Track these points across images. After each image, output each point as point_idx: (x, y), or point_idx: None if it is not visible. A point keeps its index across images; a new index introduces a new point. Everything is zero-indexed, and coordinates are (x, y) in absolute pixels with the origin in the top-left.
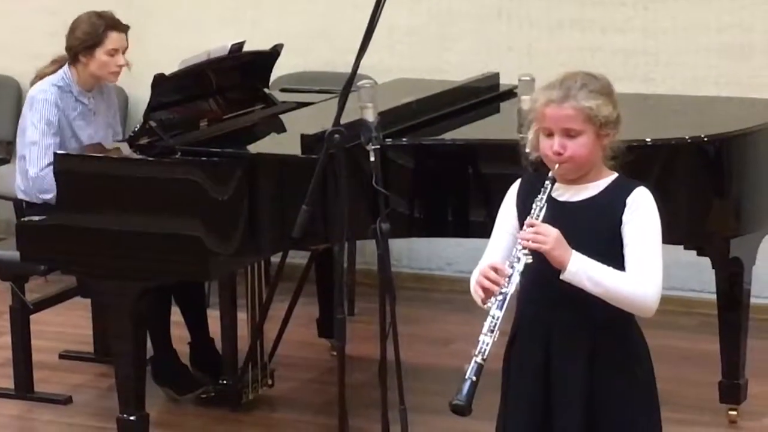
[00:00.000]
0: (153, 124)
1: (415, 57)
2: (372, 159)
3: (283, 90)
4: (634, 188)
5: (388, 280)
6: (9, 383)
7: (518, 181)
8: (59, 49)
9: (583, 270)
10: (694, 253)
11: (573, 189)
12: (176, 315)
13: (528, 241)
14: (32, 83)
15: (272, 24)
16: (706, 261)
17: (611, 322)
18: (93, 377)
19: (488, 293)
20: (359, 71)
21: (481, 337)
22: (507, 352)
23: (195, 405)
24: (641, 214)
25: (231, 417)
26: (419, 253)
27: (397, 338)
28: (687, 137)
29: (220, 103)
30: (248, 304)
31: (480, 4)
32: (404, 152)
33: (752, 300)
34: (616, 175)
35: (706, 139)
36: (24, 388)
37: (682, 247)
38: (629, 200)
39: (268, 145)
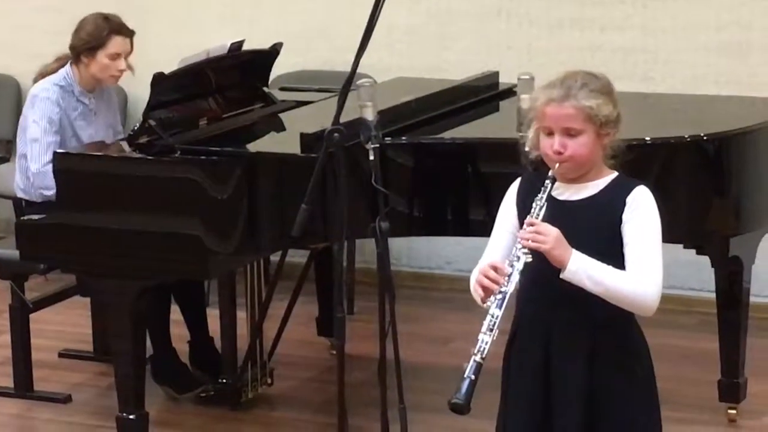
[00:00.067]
0: (152, 122)
1: (414, 56)
2: (371, 158)
3: (282, 89)
4: (634, 187)
5: (388, 278)
6: (8, 382)
7: (518, 180)
8: (59, 48)
9: (583, 269)
10: (693, 251)
11: (573, 188)
12: (176, 314)
13: (528, 240)
14: (35, 80)
15: (271, 23)
16: (705, 260)
17: (611, 321)
18: (92, 376)
19: (488, 292)
20: (359, 70)
21: (481, 336)
22: (507, 351)
23: (194, 404)
24: (641, 213)
25: (230, 416)
26: (419, 252)
27: (396, 337)
28: (686, 136)
29: (220, 101)
30: (248, 303)
31: (479, 3)
32: (404, 151)
33: (752, 299)
34: (616, 174)
35: (705, 137)
36: (23, 387)
37: (681, 245)
38: (629, 199)
39: (267, 143)
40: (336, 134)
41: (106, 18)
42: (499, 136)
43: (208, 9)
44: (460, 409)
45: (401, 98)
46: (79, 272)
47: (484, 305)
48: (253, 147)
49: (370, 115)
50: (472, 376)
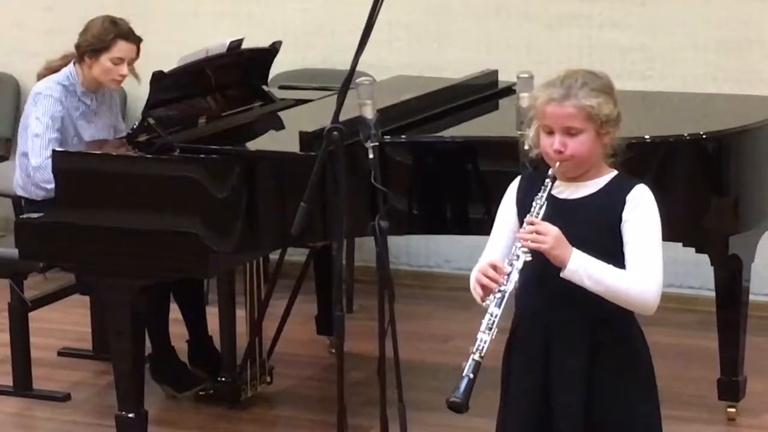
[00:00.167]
0: (152, 121)
1: (413, 54)
2: (371, 156)
3: (281, 87)
4: (634, 185)
5: (387, 277)
6: (8, 380)
7: (518, 179)
8: (58, 46)
9: (583, 268)
10: (692, 250)
11: (573, 186)
12: (175, 312)
13: (527, 240)
14: (39, 75)
15: (270, 21)
16: (704, 258)
17: (611, 319)
18: (92, 374)
19: (487, 291)
20: (358, 68)
21: (479, 335)
22: (506, 349)
23: (194, 402)
24: (641, 212)
25: (230, 414)
26: (418, 251)
27: (395, 335)
28: (685, 134)
29: (219, 100)
30: (247, 302)
31: (478, 2)
32: (403, 149)
33: (751, 297)
34: (615, 172)
35: (704, 136)
36: (23, 386)
37: (680, 244)
38: (629, 198)
39: (266, 142)
40: (335, 133)
41: (114, 22)
42: (498, 134)
43: (208, 7)
44: (459, 407)
45: (401, 97)
46: (78, 271)
47: (483, 304)
48: (252, 145)
49: (369, 113)
50: (471, 375)
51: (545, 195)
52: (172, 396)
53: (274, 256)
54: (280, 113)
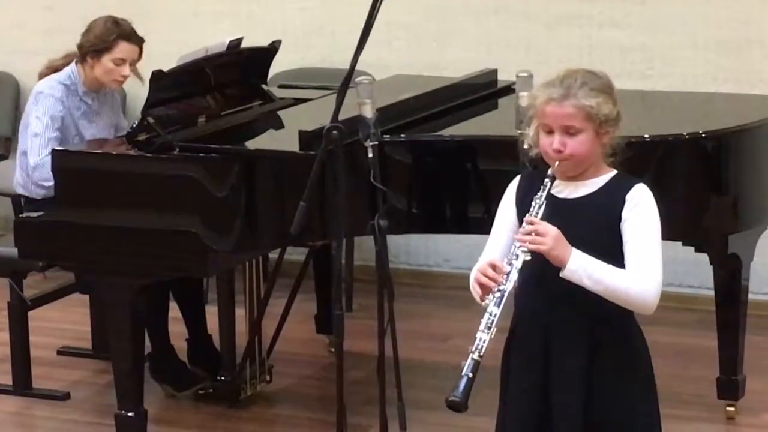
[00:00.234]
0: (151, 120)
1: (413, 53)
2: (370, 155)
3: (281, 86)
4: (634, 185)
5: (387, 276)
6: (7, 379)
7: (517, 178)
8: (58, 46)
9: (582, 268)
10: (692, 249)
11: (572, 186)
12: (174, 311)
13: (527, 242)
14: (41, 74)
15: (270, 20)
16: (704, 257)
17: (610, 319)
18: (91, 373)
19: (485, 290)
20: (357, 67)
21: (478, 334)
22: (506, 349)
23: (193, 401)
24: (641, 211)
25: (229, 413)
26: (417, 250)
27: (395, 334)
28: (685, 133)
29: (218, 99)
30: (246, 301)
31: (478, 1)
32: (402, 148)
33: (750, 296)
34: (615, 171)
35: (704, 135)
36: (22, 385)
37: (680, 243)
38: (628, 197)
39: (266, 141)
40: (335, 132)
41: (117, 22)
42: (497, 133)
43: (208, 7)
44: (458, 407)
45: (400, 96)
46: (78, 270)
47: (483, 303)
48: (251, 144)
49: (368, 112)
50: (470, 374)
51: (544, 194)
52: (171, 395)
53: (273, 255)
54: (279, 112)
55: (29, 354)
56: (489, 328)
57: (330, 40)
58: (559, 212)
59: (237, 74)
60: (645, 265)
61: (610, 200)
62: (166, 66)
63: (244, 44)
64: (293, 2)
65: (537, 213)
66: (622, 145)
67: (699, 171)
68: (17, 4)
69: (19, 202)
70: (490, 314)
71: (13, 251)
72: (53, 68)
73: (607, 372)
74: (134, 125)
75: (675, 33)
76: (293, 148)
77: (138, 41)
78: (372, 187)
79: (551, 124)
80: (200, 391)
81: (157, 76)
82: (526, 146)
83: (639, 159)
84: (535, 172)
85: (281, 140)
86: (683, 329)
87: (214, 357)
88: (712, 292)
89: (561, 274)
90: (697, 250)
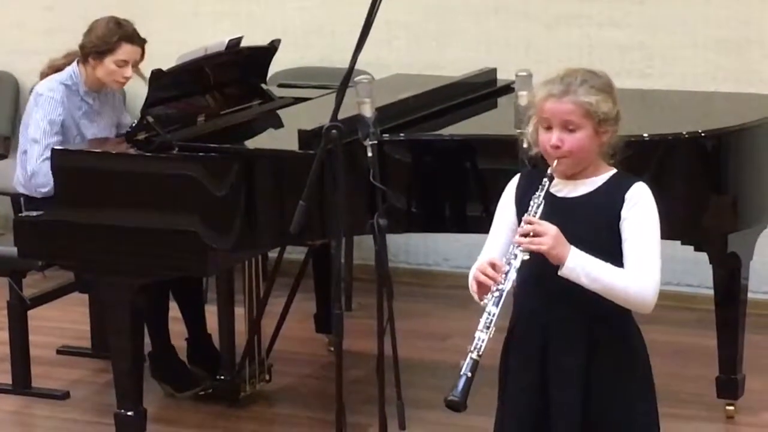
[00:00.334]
0: (150, 119)
1: (413, 53)
2: (369, 154)
3: (280, 85)
4: (633, 183)
5: (386, 275)
6: (7, 379)
7: (517, 177)
8: (58, 45)
9: (580, 266)
10: (691, 248)
11: (571, 184)
12: (174, 311)
13: (526, 242)
14: (43, 73)
15: (269, 19)
16: (703, 256)
17: (608, 318)
18: (91, 372)
19: (483, 289)
20: (357, 67)
21: (477, 333)
22: (504, 348)
23: (193, 400)
24: (640, 210)
25: (229, 412)
26: (416, 249)
27: (394, 333)
28: (684, 133)
29: (218, 98)
30: (246, 300)
31: (478, 1)
32: (402, 148)
33: (749, 295)
34: (614, 170)
35: (703, 134)
36: (22, 384)
37: (679, 242)
38: (628, 195)
39: (265, 140)
40: (334, 131)
41: (119, 23)
42: (496, 132)
43: (208, 7)
44: (457, 406)
45: (399, 95)
46: (78, 269)
47: (482, 303)
48: (251, 144)
49: (368, 111)
50: (469, 374)
51: (543, 194)
52: (171, 394)
53: (272, 254)
54: (278, 111)
55: (29, 353)
56: (488, 328)
57: (329, 39)
58: (557, 211)
59: (236, 73)
60: (644, 264)
61: (610, 199)
62: (166, 66)
63: (243, 44)
64: (293, 2)
65: (536, 212)
66: (621, 144)
67: (698, 170)
68: (17, 4)
69: (19, 201)
70: (489, 314)
71: (13, 250)
72: (54, 68)
73: (606, 371)
74: (134, 124)
75: (674, 32)
76: (292, 148)
77: (140, 42)
78: (371, 187)
79: (550, 120)
80: (200, 393)
81: (157, 76)
82: (525, 145)
83: (638, 158)
84: (535, 171)
85: (280, 139)
86: (682, 328)
87: (214, 356)
88: (711, 291)
89: (559, 273)
90: (696, 249)
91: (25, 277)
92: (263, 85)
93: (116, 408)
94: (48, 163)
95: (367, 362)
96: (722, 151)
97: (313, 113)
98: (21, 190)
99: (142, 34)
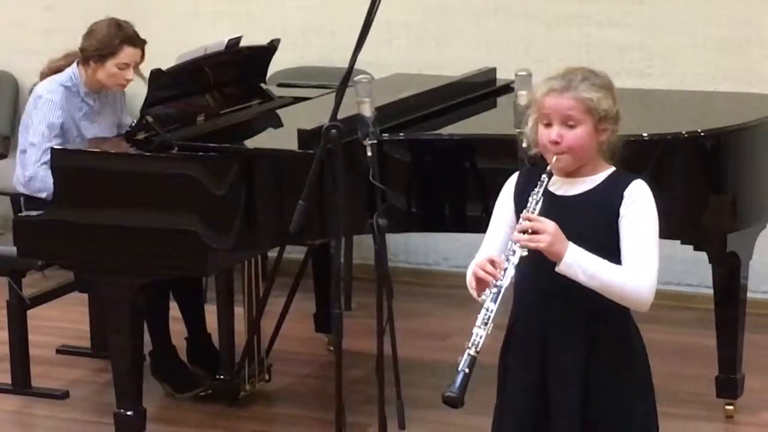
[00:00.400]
0: (150, 119)
1: (412, 53)
2: (369, 154)
3: (280, 85)
4: (632, 181)
5: (385, 275)
6: (6, 378)
7: (516, 174)
8: (58, 45)
9: (578, 263)
10: (691, 248)
11: (569, 183)
12: (173, 310)
13: (525, 240)
14: (42, 74)
15: (269, 19)
16: (703, 256)
17: (607, 316)
18: (90, 372)
19: (482, 285)
20: (356, 66)
21: (475, 330)
22: (504, 347)
23: (192, 400)
24: (638, 207)
25: (228, 412)
26: (416, 248)
27: (394, 333)
28: (684, 132)
29: (217, 98)
30: (245, 299)
31: (477, 0)
32: (401, 147)
33: (749, 294)
34: (613, 168)
35: (702, 134)
36: (21, 383)
37: (679, 241)
38: (626, 193)
39: (265, 140)
40: (333, 130)
41: (120, 26)
42: (496, 132)
43: (207, 7)
44: (454, 402)
45: (399, 95)
46: (77, 269)
47: (480, 299)
48: (250, 143)
49: (367, 111)
50: (467, 370)
51: (542, 190)
52: (171, 394)
53: (272, 253)
54: (278, 111)
55: (28, 353)
56: (486, 324)
57: (329, 39)
58: (556, 209)
59: (236, 73)
60: (641, 262)
61: (608, 197)
62: (166, 66)
63: (243, 43)
64: (292, 1)
65: (534, 209)
66: (620, 144)
67: (698, 169)
68: (17, 4)
69: (18, 201)
70: (487, 310)
71: (12, 250)
72: (54, 69)
73: (604, 370)
74: (133, 124)
75: (674, 32)
76: (292, 147)
77: (141, 44)
78: (371, 186)
79: (551, 116)
80: (201, 393)
81: (156, 75)
82: (525, 145)
83: (638, 157)
84: (534, 169)
85: (280, 139)
86: (682, 328)
87: (213, 356)
88: (711, 291)
89: (556, 269)
90: (696, 249)
91: (24, 276)
92: (263, 85)
93: (116, 408)
94: (45, 168)
95: (366, 362)
96: (722, 150)
97: (312, 113)
98: (21, 189)
99: (142, 34)
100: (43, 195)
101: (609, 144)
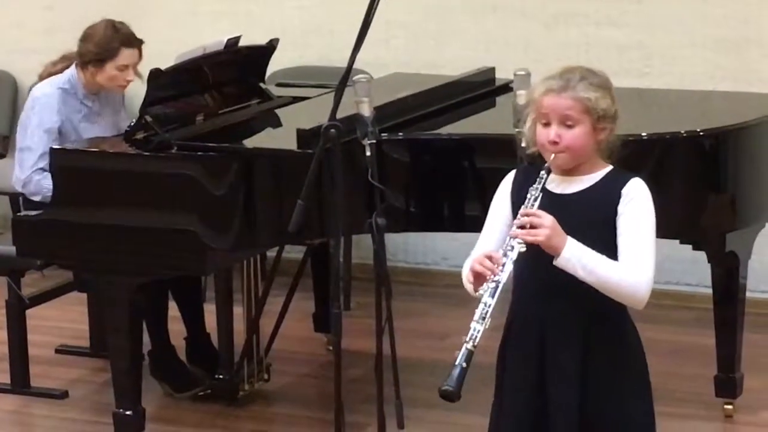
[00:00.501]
0: (149, 118)
1: (411, 52)
2: (368, 153)
3: (279, 85)
4: (630, 179)
5: (384, 274)
6: (5, 378)
7: (513, 172)
8: (58, 45)
9: (576, 257)
10: (690, 247)
11: (567, 181)
12: (173, 310)
13: (523, 234)
14: (41, 76)
15: (268, 18)
16: (702, 255)
17: (604, 314)
18: (89, 372)
19: (480, 279)
20: (355, 66)
21: (473, 324)
22: (502, 346)
23: (191, 400)
24: (636, 205)
25: (227, 411)
26: (415, 248)
27: (393, 333)
28: (683, 131)
29: (216, 97)
30: (244, 299)
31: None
32: (400, 147)
33: (748, 294)
34: (611, 167)
35: (701, 133)
36: (20, 383)
37: (678, 241)
38: (624, 191)
39: (264, 139)
40: (332, 130)
41: (116, 29)
42: (495, 131)
43: (206, 6)
44: (451, 396)
45: (398, 94)
46: (77, 268)
47: (476, 294)
48: (249, 143)
49: (366, 111)
50: (464, 364)
51: (540, 186)
52: (170, 394)
53: (271, 253)
54: (277, 111)
55: (27, 352)
56: (483, 319)
57: (328, 38)
58: (553, 207)
59: (235, 73)
60: (639, 259)
61: (606, 196)
62: (165, 65)
63: (242, 43)
64: (291, 1)
65: (532, 205)
66: (618, 143)
67: (697, 169)
68: (17, 4)
69: (17, 200)
70: (485, 304)
71: (11, 249)
72: (52, 73)
73: (602, 369)
74: (132, 124)
75: (673, 31)
76: (291, 147)
77: (138, 44)
78: (370, 186)
79: (549, 115)
80: (200, 393)
81: (155, 75)
82: (523, 144)
83: (636, 157)
84: (532, 167)
85: (279, 138)
86: (681, 327)
87: (213, 355)
88: (709, 290)
89: (554, 263)
90: (694, 248)
91: (23, 276)
92: (262, 85)
93: (115, 407)
94: (39, 173)
95: (365, 361)
96: (720, 150)
97: (311, 112)
98: (20, 188)
99: (141, 34)
100: (37, 198)
101: (607, 143)
